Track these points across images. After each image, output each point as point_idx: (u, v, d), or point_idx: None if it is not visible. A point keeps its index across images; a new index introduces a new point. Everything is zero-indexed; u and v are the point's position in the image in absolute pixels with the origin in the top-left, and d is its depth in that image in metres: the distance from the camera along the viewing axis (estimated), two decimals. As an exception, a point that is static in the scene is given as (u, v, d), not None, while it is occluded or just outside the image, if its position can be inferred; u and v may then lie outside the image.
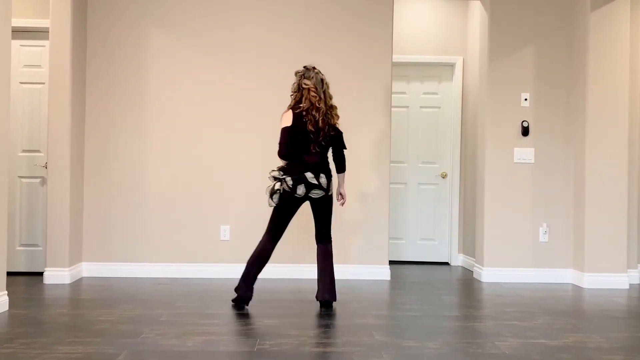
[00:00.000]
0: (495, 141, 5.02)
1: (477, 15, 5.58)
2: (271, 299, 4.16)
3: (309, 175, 3.74)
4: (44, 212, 4.88)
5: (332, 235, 4.02)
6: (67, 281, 4.62)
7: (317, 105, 3.72)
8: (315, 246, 3.95)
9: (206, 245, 4.97)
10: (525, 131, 4.99)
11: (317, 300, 3.94)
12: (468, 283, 5.00)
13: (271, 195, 3.78)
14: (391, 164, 5.53)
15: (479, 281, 5.04)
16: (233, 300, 3.91)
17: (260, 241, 3.87)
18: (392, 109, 5.39)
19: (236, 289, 3.87)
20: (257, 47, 4.99)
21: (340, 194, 4.04)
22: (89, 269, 4.93)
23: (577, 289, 4.77)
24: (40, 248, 4.95)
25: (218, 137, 4.99)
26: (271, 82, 4.95)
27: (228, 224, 4.99)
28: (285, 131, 3.75)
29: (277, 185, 3.76)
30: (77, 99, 4.77)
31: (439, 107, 6.08)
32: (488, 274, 5.01)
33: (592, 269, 4.80)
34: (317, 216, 3.92)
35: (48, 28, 4.68)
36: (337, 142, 3.87)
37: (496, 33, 5.03)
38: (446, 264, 6.06)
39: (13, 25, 4.31)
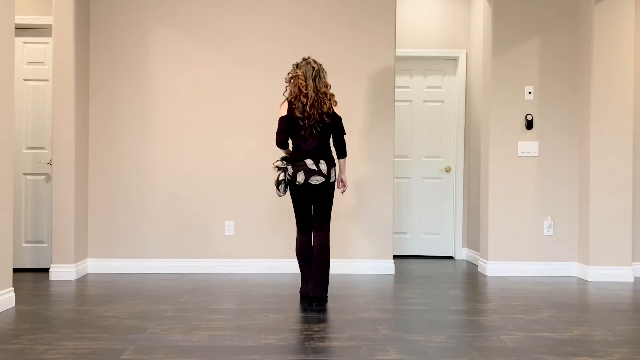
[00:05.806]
0: (499, 135, 5.01)
1: (481, 8, 5.55)
2: (277, 293, 4.17)
3: (308, 161, 3.74)
4: (49, 208, 4.90)
5: (331, 228, 3.95)
6: (73, 277, 4.64)
7: (305, 91, 3.71)
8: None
9: (211, 240, 4.98)
10: (529, 124, 4.97)
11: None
12: (472, 277, 5.00)
13: (277, 186, 3.83)
14: (395, 159, 5.54)
15: (484, 275, 5.04)
16: (301, 299, 3.92)
17: (296, 240, 3.91)
18: (396, 103, 5.39)
19: (300, 289, 3.96)
20: (261, 42, 4.98)
21: (342, 180, 3.96)
22: (94, 265, 4.95)
23: (582, 282, 4.76)
24: (45, 245, 4.97)
25: (222, 132, 4.99)
26: (276, 77, 4.94)
27: (232, 220, 4.99)
28: (281, 120, 3.79)
29: (282, 176, 3.80)
30: (81, 95, 4.78)
31: (443, 101, 6.07)
32: (492, 268, 5.00)
33: (597, 262, 4.80)
34: (316, 204, 3.86)
35: (51, 25, 4.68)
36: (334, 127, 3.82)
37: (500, 26, 5.00)
38: (450, 257, 6.06)
39: (16, 22, 4.31)
